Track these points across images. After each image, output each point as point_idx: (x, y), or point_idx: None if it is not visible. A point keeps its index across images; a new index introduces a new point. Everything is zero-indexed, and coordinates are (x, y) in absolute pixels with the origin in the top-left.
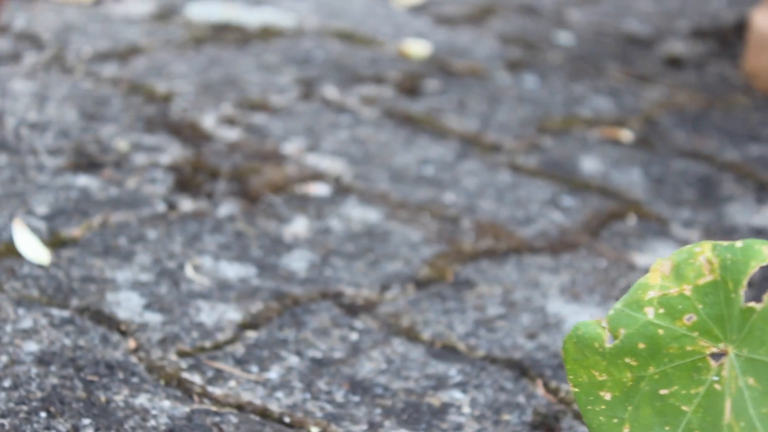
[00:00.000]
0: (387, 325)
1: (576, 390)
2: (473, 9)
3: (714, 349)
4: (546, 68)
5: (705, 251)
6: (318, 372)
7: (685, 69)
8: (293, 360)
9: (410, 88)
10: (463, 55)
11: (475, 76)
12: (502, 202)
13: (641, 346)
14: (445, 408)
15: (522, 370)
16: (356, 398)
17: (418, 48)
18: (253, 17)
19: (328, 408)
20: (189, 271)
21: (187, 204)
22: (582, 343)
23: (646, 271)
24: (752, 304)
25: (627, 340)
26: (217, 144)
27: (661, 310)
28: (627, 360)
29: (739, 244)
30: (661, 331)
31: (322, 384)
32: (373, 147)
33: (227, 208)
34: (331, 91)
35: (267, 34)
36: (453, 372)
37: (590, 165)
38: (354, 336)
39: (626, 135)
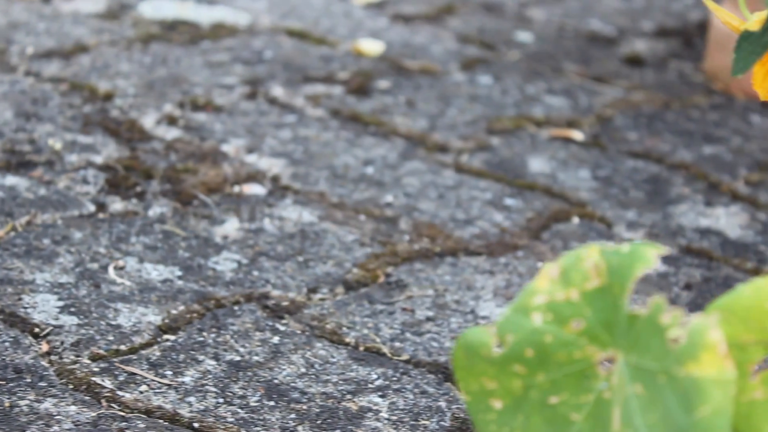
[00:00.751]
0: (311, 327)
1: (467, 398)
2: (433, 8)
3: (603, 356)
4: (502, 68)
5: (593, 255)
6: (234, 376)
7: (646, 69)
8: (210, 364)
9: (360, 87)
10: (418, 54)
11: (428, 75)
12: (443, 203)
13: (529, 353)
14: (362, 413)
15: (446, 374)
16: (271, 403)
17: (371, 47)
18: (205, 16)
19: (241, 413)
20: (111, 272)
21: (116, 204)
22: (471, 350)
23: None
24: (637, 309)
25: (515, 347)
26: (155, 144)
27: (549, 316)
28: (516, 368)
29: (625, 248)
30: (548, 338)
31: (237, 388)
32: (315, 147)
33: (158, 208)
34: (278, 91)
35: (218, 32)
36: (374, 376)
37: (538, 165)
38: (275, 339)
39: (577, 135)
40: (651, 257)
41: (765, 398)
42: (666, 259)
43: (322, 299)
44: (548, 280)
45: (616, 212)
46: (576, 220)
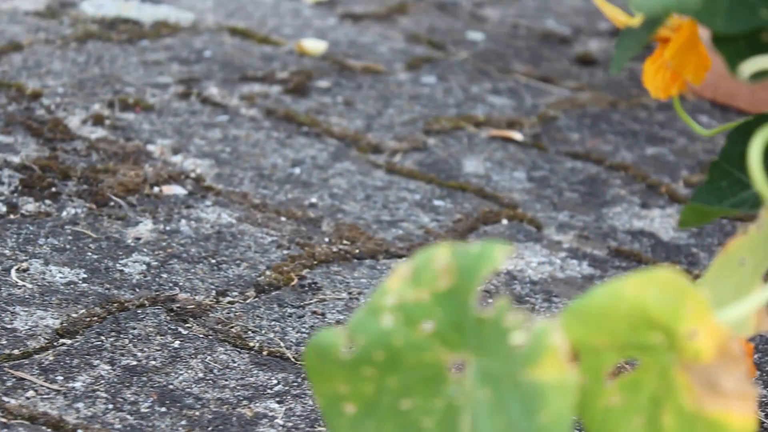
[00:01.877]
0: (214, 332)
1: (320, 403)
2: (384, 7)
3: (454, 360)
4: (448, 68)
5: (444, 255)
6: (128, 381)
7: (597, 69)
8: (104, 369)
9: (298, 87)
10: (363, 53)
11: (370, 75)
12: (369, 204)
13: (379, 355)
14: (256, 419)
15: None
16: (162, 409)
17: (314, 46)
18: (148, 14)
19: (130, 419)
20: (14, 275)
21: (29, 206)
22: (322, 353)
23: (508, 275)
24: (484, 311)
25: (365, 349)
26: (77, 144)
27: (399, 317)
28: (366, 371)
29: (475, 247)
30: (398, 340)
31: (129, 394)
32: (244, 147)
33: (72, 209)
34: (213, 90)
35: (159, 31)
36: (274, 381)
37: (472, 166)
38: (176, 343)
39: (517, 136)
40: (499, 257)
41: (622, 404)
42: (593, 262)
43: (230, 302)
44: (399, 279)
45: (547, 214)
46: (505, 222)
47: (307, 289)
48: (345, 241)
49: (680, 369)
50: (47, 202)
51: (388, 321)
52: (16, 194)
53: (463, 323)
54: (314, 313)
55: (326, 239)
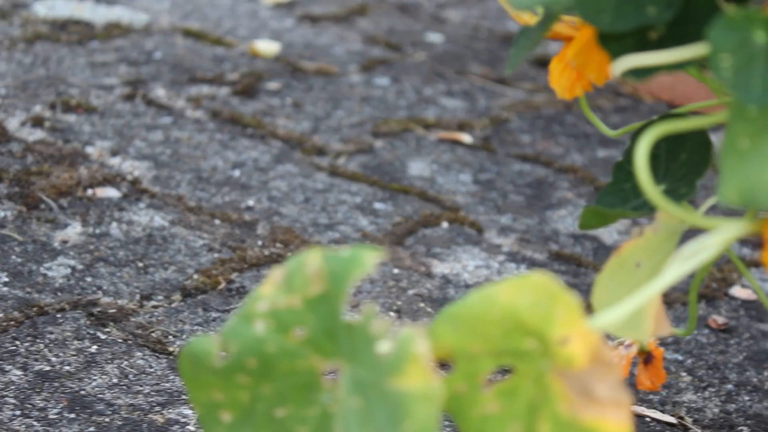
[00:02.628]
0: (134, 336)
1: (197, 411)
2: (344, 8)
3: (327, 367)
4: (403, 69)
5: (315, 260)
6: (39, 387)
7: None
8: (16, 374)
9: (247, 88)
10: (318, 55)
11: (323, 76)
12: (308, 207)
13: (252, 363)
14: (168, 425)
15: None
16: (72, 415)
17: (267, 47)
18: (101, 15)
19: (36, 426)
20: None
21: None
22: (196, 360)
23: (443, 279)
24: (352, 318)
25: (238, 356)
26: (13, 146)
27: (272, 324)
28: (240, 378)
29: (345, 251)
30: (271, 347)
31: (38, 400)
32: (185, 149)
33: (0, 212)
34: (159, 92)
35: (111, 32)
36: None
37: (418, 169)
38: (93, 348)
39: (466, 138)
40: (369, 262)
41: (499, 412)
42: (532, 266)
43: (154, 306)
44: (272, 285)
45: (490, 217)
46: (445, 225)
47: (234, 293)
48: (278, 245)
49: (555, 376)
50: None
51: (260, 328)
52: None
53: (335, 330)
54: None
55: (259, 242)
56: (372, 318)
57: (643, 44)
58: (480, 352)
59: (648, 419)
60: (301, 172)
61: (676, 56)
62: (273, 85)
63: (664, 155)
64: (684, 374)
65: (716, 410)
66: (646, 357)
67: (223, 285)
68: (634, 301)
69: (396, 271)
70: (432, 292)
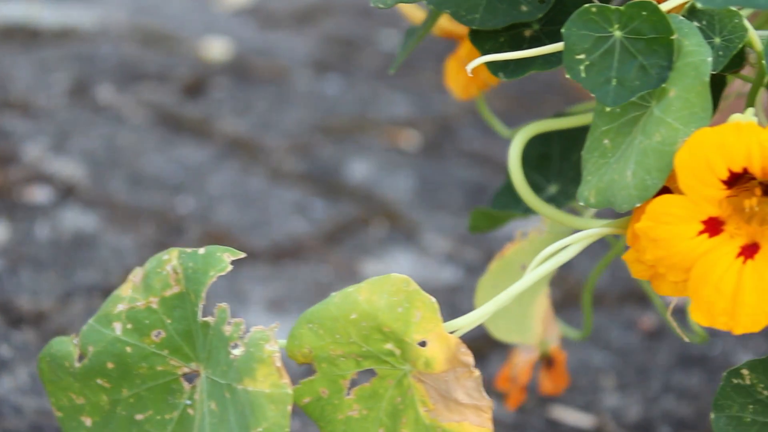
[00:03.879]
0: (51, 338)
1: (59, 414)
2: (303, 10)
3: (186, 370)
4: (356, 70)
5: (172, 259)
6: None
7: None
8: None
9: (195, 88)
10: (271, 55)
11: (273, 78)
12: (244, 209)
13: (110, 365)
14: None
15: None
16: None
17: (220, 47)
18: (52, 15)
19: None
20: None
21: None
22: (55, 362)
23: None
24: (208, 318)
25: (96, 359)
26: None
27: (129, 326)
28: (99, 381)
29: (201, 251)
30: (129, 349)
31: None
32: (124, 150)
33: None
34: (104, 92)
35: (60, 32)
36: None
37: (361, 170)
38: (6, 350)
39: (413, 139)
40: (225, 261)
41: (362, 416)
42: (467, 267)
43: (74, 309)
44: (131, 286)
45: (428, 217)
46: (383, 225)
47: None
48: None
49: (415, 379)
50: None
51: (118, 329)
52: None
53: (192, 331)
54: None
55: (187, 244)
56: (225, 319)
57: (518, 42)
58: (340, 354)
59: (564, 425)
60: (241, 172)
61: (531, 53)
62: (221, 84)
63: (558, 156)
64: (609, 377)
65: (639, 413)
66: (547, 361)
67: None
68: (491, 305)
69: (326, 272)
70: None
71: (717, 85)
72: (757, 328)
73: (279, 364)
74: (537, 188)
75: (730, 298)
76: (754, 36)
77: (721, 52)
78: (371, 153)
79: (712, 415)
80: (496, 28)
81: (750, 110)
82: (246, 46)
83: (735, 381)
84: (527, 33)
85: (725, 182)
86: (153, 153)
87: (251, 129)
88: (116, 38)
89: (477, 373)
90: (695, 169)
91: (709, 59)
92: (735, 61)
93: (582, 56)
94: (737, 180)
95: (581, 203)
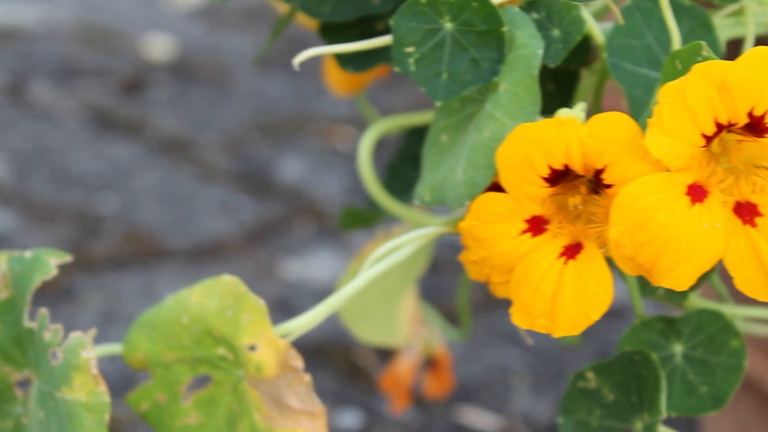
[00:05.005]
0: None
1: None
2: (256, 11)
3: (19, 377)
4: (301, 69)
5: (2, 263)
6: None
7: None
8: None
9: (133, 88)
10: (215, 55)
11: (216, 76)
12: (169, 208)
13: None
14: None
15: None
16: None
17: (164, 48)
18: None
19: None
20: None
21: None
22: None
23: (294, 279)
24: (32, 324)
25: None
26: None
27: None
28: None
29: (28, 255)
30: None
31: None
32: (52, 148)
33: None
34: (39, 91)
35: (3, 32)
36: None
37: (293, 169)
38: None
39: (351, 138)
40: (50, 265)
41: (199, 422)
42: None
43: None
44: None
45: None
46: (309, 225)
47: (62, 294)
48: (126, 246)
49: (249, 385)
50: None
51: None
52: None
53: (21, 337)
54: (61, 319)
55: (105, 243)
56: (45, 325)
57: (370, 36)
58: (175, 360)
59: (471, 429)
60: (170, 171)
61: (364, 46)
62: (161, 83)
63: None
64: (524, 378)
65: (551, 416)
66: (431, 363)
67: (53, 287)
68: (323, 307)
69: (246, 272)
70: (281, 292)
71: (570, 79)
72: (576, 331)
73: (95, 371)
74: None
75: (549, 300)
76: (595, 28)
77: (560, 45)
78: (307, 152)
79: (560, 420)
80: (346, 21)
81: (579, 105)
82: (192, 44)
83: (581, 384)
84: (379, 26)
85: (547, 179)
86: (81, 151)
87: (186, 127)
88: (59, 36)
89: (307, 378)
90: (515, 166)
91: (539, 52)
92: (579, 53)
93: (411, 49)
94: (561, 177)
95: (416, 202)
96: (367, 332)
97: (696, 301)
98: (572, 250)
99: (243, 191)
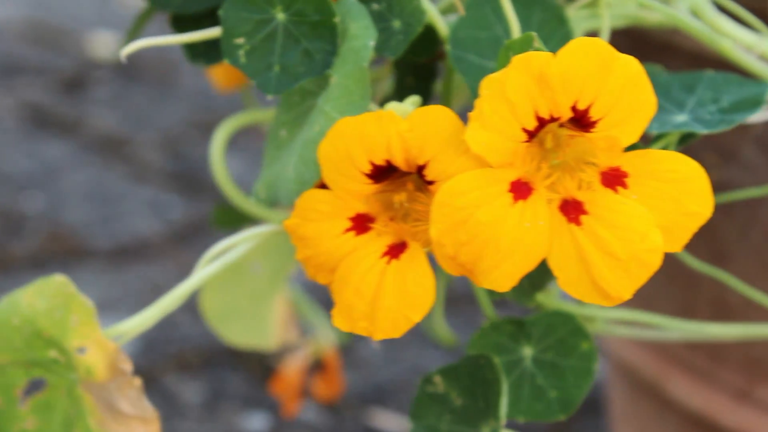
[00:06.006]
0: None
1: None
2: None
3: None
4: None
5: None
6: None
7: None
8: None
9: (73, 85)
10: (161, 52)
11: (160, 74)
12: (96, 207)
13: None
14: None
15: None
16: None
17: (109, 45)
18: None
19: None
20: None
21: None
22: None
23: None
24: None
25: None
26: None
27: None
28: None
29: None
30: None
31: None
32: None
33: None
34: None
35: None
36: None
37: (230, 168)
38: None
39: None
40: None
41: (36, 427)
42: None
43: None
44: None
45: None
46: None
47: None
48: (47, 245)
49: (83, 389)
50: None
51: None
52: None
53: None
54: None
55: (26, 242)
56: None
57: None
58: (8, 362)
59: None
60: (102, 170)
61: (194, 37)
62: (102, 80)
63: None
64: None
65: None
66: (320, 366)
67: None
68: (155, 309)
69: (169, 272)
70: None
71: (427, 74)
72: (397, 334)
73: None
74: None
75: (369, 302)
76: (437, 19)
77: (401, 36)
78: (246, 150)
79: (411, 425)
80: (197, 12)
81: (410, 98)
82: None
83: (430, 389)
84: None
85: (370, 176)
86: (13, 150)
87: (124, 126)
88: (5, 34)
89: (137, 382)
90: (337, 162)
91: (371, 43)
92: (426, 46)
93: (241, 41)
94: (385, 174)
95: (254, 199)
96: (236, 335)
97: (551, 302)
98: (396, 250)
99: (174, 190)
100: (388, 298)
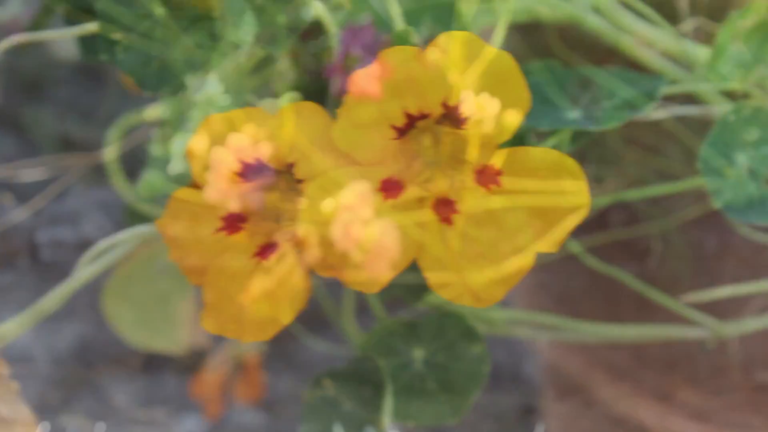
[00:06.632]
0: None
1: None
2: None
3: None
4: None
5: None
6: None
7: None
8: None
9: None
10: None
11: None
12: (45, 205)
13: None
14: None
15: None
16: None
17: (70, 48)
18: None
19: None
20: None
21: None
22: None
23: None
24: None
25: None
26: None
27: None
28: None
29: None
30: None
31: None
32: None
33: None
34: None
35: None
36: None
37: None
38: None
39: None
40: None
41: None
42: None
43: None
44: None
45: None
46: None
47: None
48: None
49: None
50: None
51: None
52: None
53: None
54: None
55: None
56: None
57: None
58: None
59: None
60: (49, 169)
61: (69, 33)
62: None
63: None
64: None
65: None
66: (241, 369)
67: None
68: (31, 314)
69: None
70: None
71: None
72: (266, 336)
73: None
74: None
75: (237, 304)
76: (324, 12)
77: (286, 31)
78: None
79: (302, 429)
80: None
81: (288, 95)
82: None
83: (320, 392)
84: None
85: (240, 175)
86: None
87: (77, 122)
88: None
89: (14, 385)
90: (206, 160)
91: (249, 38)
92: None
93: (119, 36)
94: (257, 172)
95: (135, 196)
96: (143, 338)
97: (441, 302)
98: (267, 251)
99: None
100: (255, 301)
